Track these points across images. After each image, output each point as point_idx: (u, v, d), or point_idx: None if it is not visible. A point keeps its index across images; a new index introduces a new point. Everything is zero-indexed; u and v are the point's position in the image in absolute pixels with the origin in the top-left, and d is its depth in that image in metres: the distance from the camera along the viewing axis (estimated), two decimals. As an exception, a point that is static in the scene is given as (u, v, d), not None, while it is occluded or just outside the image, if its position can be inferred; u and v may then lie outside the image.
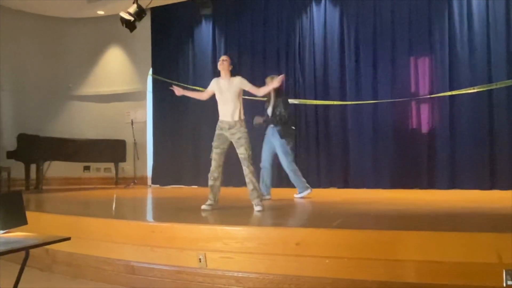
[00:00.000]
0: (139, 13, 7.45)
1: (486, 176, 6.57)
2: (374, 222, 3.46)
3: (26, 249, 2.27)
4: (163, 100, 9.29)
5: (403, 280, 2.61)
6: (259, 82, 8.19)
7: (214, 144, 4.26)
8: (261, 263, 2.91)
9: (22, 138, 7.84)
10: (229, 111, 4.18)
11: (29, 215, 2.58)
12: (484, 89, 6.56)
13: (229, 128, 4.18)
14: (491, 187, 6.49)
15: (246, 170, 4.14)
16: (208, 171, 4.28)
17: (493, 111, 6.66)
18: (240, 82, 4.23)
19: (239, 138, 4.14)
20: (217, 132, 4.26)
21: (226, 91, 4.21)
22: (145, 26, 8.82)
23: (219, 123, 4.27)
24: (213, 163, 4.22)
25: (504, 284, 2.39)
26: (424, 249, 2.63)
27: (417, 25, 7.18)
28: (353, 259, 2.72)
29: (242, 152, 4.13)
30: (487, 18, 6.73)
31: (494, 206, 4.53)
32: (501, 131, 6.57)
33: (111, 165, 9.28)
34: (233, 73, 4.35)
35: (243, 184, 7.11)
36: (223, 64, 4.27)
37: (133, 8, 7.38)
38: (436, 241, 2.64)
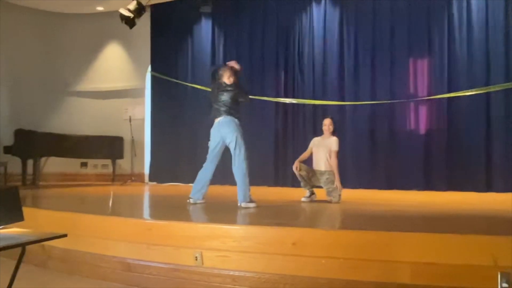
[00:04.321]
0: (139, 10, 7.42)
1: (482, 179, 6.60)
2: (370, 223, 3.46)
3: (22, 245, 2.26)
4: (161, 97, 9.29)
5: (398, 281, 2.62)
6: (257, 81, 8.31)
7: None
8: (257, 263, 2.92)
9: (19, 133, 7.80)
10: None
11: (26, 211, 2.57)
12: (482, 91, 6.57)
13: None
14: (488, 189, 6.52)
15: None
16: None
17: (491, 114, 6.69)
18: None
19: None
20: None
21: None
22: (144, 23, 8.78)
23: None
24: None
25: (499, 287, 2.40)
26: (419, 250, 2.64)
27: (417, 27, 7.20)
28: (349, 259, 2.73)
29: None
30: (486, 21, 6.76)
31: (490, 209, 4.55)
32: (498, 133, 6.61)
33: (108, 161, 9.26)
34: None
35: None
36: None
37: (133, 5, 7.36)
38: (431, 243, 2.65)
